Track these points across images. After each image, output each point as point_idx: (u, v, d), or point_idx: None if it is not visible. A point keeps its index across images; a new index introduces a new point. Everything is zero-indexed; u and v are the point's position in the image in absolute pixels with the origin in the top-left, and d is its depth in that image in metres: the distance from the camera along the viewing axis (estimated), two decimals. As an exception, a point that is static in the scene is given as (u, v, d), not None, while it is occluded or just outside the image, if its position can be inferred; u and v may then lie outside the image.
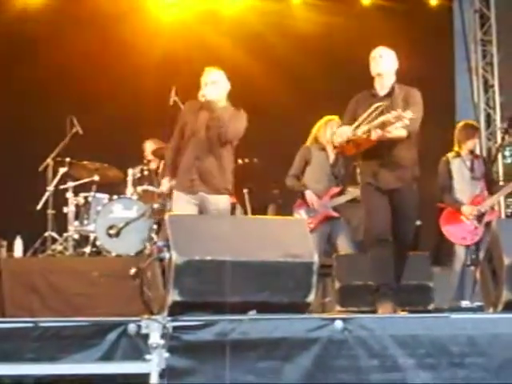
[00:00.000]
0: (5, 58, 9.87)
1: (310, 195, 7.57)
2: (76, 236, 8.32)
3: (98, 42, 9.92)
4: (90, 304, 7.03)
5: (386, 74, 6.10)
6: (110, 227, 8.01)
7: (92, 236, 8.18)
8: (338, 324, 4.61)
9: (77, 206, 8.43)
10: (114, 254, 8.00)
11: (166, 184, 6.68)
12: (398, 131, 5.87)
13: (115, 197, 8.30)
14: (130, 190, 8.49)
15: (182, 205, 6.45)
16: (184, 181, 6.47)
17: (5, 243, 8.34)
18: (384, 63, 6.10)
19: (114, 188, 8.58)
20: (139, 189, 8.45)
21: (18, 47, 9.94)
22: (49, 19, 10.16)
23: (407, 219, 6.11)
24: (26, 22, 10.03)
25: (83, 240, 8.32)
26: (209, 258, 4.73)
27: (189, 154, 6.46)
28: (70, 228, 8.32)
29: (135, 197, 8.36)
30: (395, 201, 6.01)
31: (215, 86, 6.46)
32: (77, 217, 8.39)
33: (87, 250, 8.17)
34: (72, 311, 6.85)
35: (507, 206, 10.02)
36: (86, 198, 8.44)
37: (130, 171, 8.59)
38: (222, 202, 6.47)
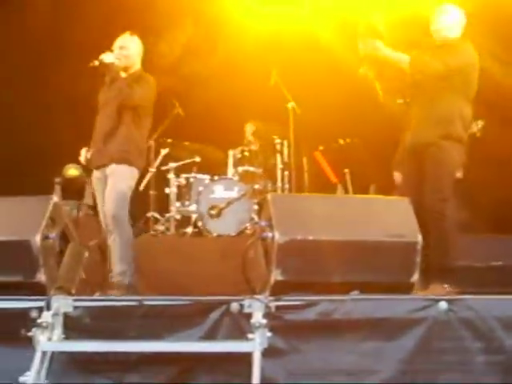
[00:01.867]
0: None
1: None
2: (178, 216, 8.40)
3: (195, 21, 9.96)
4: (192, 283, 7.06)
5: None
6: (212, 207, 8.06)
7: (193, 216, 8.24)
8: (443, 305, 4.52)
9: (178, 186, 8.50)
10: (215, 235, 8.03)
11: (83, 154, 6.50)
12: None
13: (216, 177, 8.33)
14: (230, 170, 8.52)
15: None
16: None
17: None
18: None
19: (215, 169, 8.61)
20: (240, 169, 8.46)
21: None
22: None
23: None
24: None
25: (185, 220, 8.38)
26: (311, 237, 4.69)
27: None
28: (172, 209, 8.39)
29: (236, 177, 8.38)
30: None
31: (122, 51, 6.35)
32: (178, 197, 8.46)
33: (189, 230, 8.23)
34: (174, 290, 6.90)
35: None
36: (187, 178, 8.49)
37: (231, 152, 8.61)
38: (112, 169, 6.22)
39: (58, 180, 8.90)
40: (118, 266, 6.04)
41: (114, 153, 6.18)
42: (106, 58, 6.22)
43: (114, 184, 6.11)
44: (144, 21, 8.81)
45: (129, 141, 6.23)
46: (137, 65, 6.44)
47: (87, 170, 9.04)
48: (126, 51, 6.35)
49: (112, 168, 6.17)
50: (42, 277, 4.67)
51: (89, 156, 6.35)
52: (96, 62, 6.20)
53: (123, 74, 6.35)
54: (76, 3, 9.55)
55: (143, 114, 6.31)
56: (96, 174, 6.32)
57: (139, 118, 6.28)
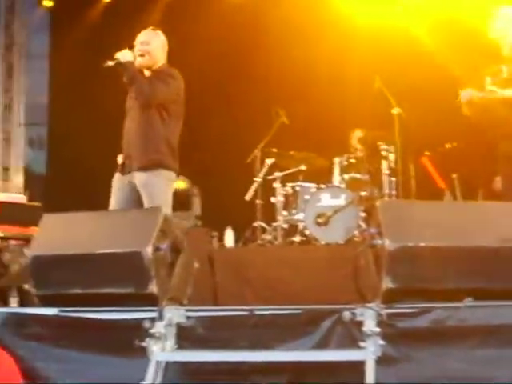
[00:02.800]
0: (209, 51, 10.16)
1: None
2: (285, 225, 8.41)
3: (299, 33, 9.99)
4: (300, 292, 7.05)
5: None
6: (319, 216, 8.04)
7: (301, 225, 8.23)
8: None
9: (285, 195, 8.52)
10: (322, 243, 8.00)
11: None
12: None
13: (323, 186, 8.31)
14: (337, 178, 8.49)
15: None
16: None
17: (216, 234, 8.56)
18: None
19: (321, 177, 8.60)
20: (346, 177, 8.42)
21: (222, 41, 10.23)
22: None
23: None
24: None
25: (292, 229, 8.39)
26: (422, 243, 4.61)
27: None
28: (279, 217, 8.41)
29: (343, 185, 8.34)
30: None
31: (145, 48, 6.08)
32: (285, 206, 8.48)
33: (296, 238, 8.23)
34: (283, 299, 6.90)
35: None
36: (293, 187, 8.51)
37: (337, 160, 8.58)
38: (150, 179, 5.94)
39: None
40: None
41: (146, 158, 5.93)
42: (123, 56, 5.89)
43: (153, 198, 5.86)
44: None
45: (160, 143, 5.96)
46: (161, 61, 6.13)
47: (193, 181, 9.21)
48: (147, 46, 6.05)
49: (146, 177, 5.92)
50: (154, 288, 4.72)
51: (120, 162, 6.12)
52: (110, 63, 5.86)
53: (146, 73, 6.07)
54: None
55: (172, 111, 6.01)
56: (123, 178, 6.08)
57: (169, 117, 5.99)
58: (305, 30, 10.04)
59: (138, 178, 5.94)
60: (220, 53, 10.29)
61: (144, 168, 5.92)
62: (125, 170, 6.03)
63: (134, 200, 5.99)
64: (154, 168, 5.92)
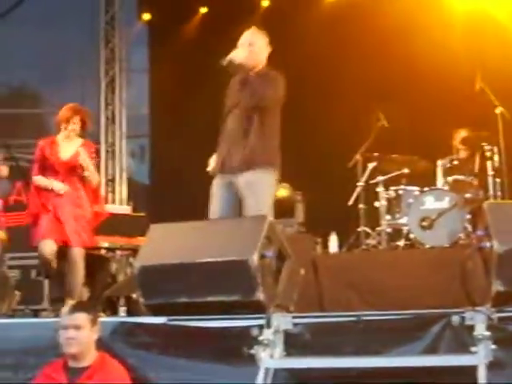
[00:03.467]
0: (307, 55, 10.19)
1: None
2: (389, 230, 8.34)
3: (397, 33, 9.93)
4: (406, 297, 6.97)
5: None
6: (423, 219, 7.93)
7: (405, 229, 8.15)
8: None
9: (388, 199, 8.44)
10: (427, 246, 7.90)
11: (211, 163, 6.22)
12: None
13: (426, 188, 8.21)
14: (440, 180, 8.38)
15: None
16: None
17: (319, 240, 8.54)
18: None
19: (424, 180, 8.49)
20: (450, 179, 8.30)
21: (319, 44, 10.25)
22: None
23: None
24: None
25: (396, 233, 8.31)
26: (532, 245, 4.51)
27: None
28: (383, 222, 8.34)
29: (446, 187, 8.22)
30: None
31: (250, 48, 5.97)
32: (388, 210, 8.40)
33: (401, 243, 8.15)
34: (389, 304, 6.84)
35: None
36: (396, 191, 8.43)
37: (440, 162, 8.46)
38: (257, 177, 5.88)
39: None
40: None
41: (251, 157, 5.91)
42: (237, 57, 5.90)
43: (258, 196, 5.87)
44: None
45: (266, 143, 5.96)
46: (263, 62, 6.10)
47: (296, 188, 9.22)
48: (251, 47, 6.00)
49: (252, 175, 5.90)
50: (260, 295, 4.74)
51: (214, 163, 6.13)
52: (224, 62, 5.87)
53: (251, 73, 6.02)
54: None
55: (276, 113, 6.02)
56: (223, 179, 6.06)
57: (273, 119, 6.00)
58: (404, 30, 9.95)
59: (243, 177, 5.93)
60: (318, 55, 10.29)
61: (250, 167, 5.92)
62: (225, 168, 6.03)
63: (235, 201, 6.00)
64: (261, 166, 5.92)
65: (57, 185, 6.75)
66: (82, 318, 4.67)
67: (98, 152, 7.12)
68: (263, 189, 5.90)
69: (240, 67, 5.92)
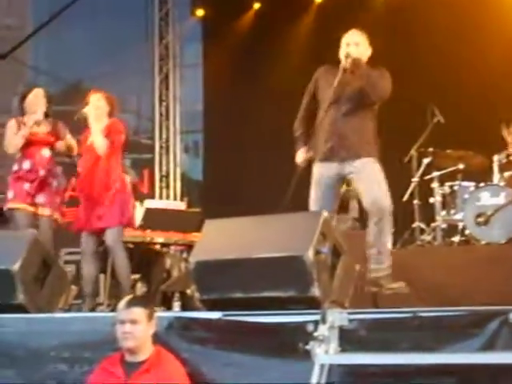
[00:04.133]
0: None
1: None
2: (444, 226, 8.28)
3: (454, 27, 9.86)
4: (462, 293, 6.92)
5: None
6: (479, 215, 7.86)
7: (460, 225, 8.08)
8: None
9: (443, 195, 8.39)
10: (483, 243, 7.83)
11: (300, 155, 6.27)
12: None
13: (482, 184, 8.13)
14: (496, 176, 8.29)
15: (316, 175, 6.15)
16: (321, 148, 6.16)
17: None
18: None
19: (479, 175, 8.41)
20: (506, 174, 8.20)
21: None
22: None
23: None
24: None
25: (451, 229, 8.25)
26: None
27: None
28: (438, 218, 8.30)
29: (502, 183, 8.14)
30: None
31: (358, 48, 6.13)
32: (443, 206, 8.35)
33: (456, 239, 8.09)
34: (445, 301, 6.79)
35: None
36: (451, 187, 8.38)
37: (496, 157, 8.37)
38: (365, 165, 6.05)
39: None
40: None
41: (363, 148, 6.09)
42: (353, 52, 6.09)
43: (376, 177, 6.04)
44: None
45: (373, 136, 6.20)
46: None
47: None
48: (360, 48, 6.20)
49: (363, 162, 6.07)
50: (316, 291, 4.74)
51: (309, 156, 6.21)
52: (348, 60, 6.07)
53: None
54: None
55: (377, 108, 6.25)
56: (327, 169, 6.18)
57: (374, 112, 6.25)
58: (461, 24, 9.88)
59: (355, 165, 6.08)
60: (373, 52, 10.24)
61: (361, 156, 6.08)
62: (332, 158, 6.14)
63: (338, 191, 6.27)
64: (371, 156, 6.12)
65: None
66: (138, 312, 4.72)
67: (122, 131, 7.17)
68: (378, 173, 6.09)
69: (355, 62, 6.09)
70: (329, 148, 6.16)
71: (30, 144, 7.08)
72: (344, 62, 6.10)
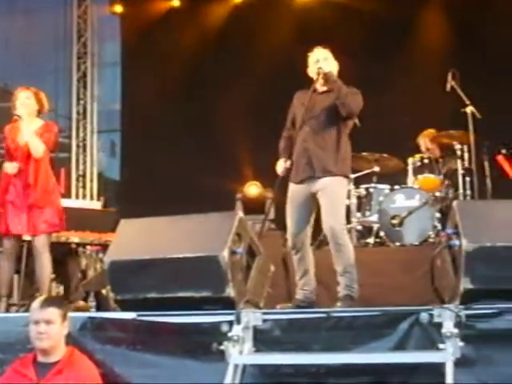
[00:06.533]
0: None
1: None
2: (359, 227, 8.36)
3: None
4: (376, 294, 7.00)
5: None
6: (393, 217, 7.96)
7: (375, 227, 8.17)
8: None
9: (358, 197, 8.45)
10: (397, 244, 7.94)
11: (280, 165, 6.32)
12: None
13: (396, 187, 8.24)
14: (410, 179, 8.41)
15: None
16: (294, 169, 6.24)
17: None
18: None
19: (394, 178, 8.52)
20: (420, 177, 8.33)
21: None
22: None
23: None
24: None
25: (366, 231, 8.33)
26: (500, 244, 4.55)
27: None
28: (353, 219, 8.35)
29: (416, 186, 8.26)
30: None
31: (327, 62, 6.21)
32: (359, 208, 8.42)
33: (371, 240, 8.18)
34: (359, 302, 6.86)
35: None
36: (367, 189, 8.43)
37: (410, 160, 8.50)
38: (331, 183, 6.06)
39: (239, 196, 9.07)
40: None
41: (334, 166, 6.10)
42: (325, 68, 6.15)
43: (333, 198, 6.04)
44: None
45: (346, 154, 6.23)
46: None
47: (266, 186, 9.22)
48: (329, 61, 6.24)
49: (327, 181, 6.07)
50: (230, 291, 4.75)
51: (288, 166, 6.24)
52: (321, 70, 6.13)
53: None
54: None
55: (349, 123, 6.32)
56: (297, 187, 6.20)
57: (347, 128, 6.30)
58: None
59: (322, 183, 6.07)
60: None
61: (331, 174, 6.08)
62: (302, 175, 6.16)
63: (311, 209, 6.17)
64: (339, 176, 6.12)
65: (7, 166, 6.68)
66: (53, 312, 4.66)
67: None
68: (341, 197, 6.12)
69: (328, 76, 6.14)
70: (298, 166, 6.19)
71: None
72: (316, 78, 6.18)
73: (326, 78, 6.16)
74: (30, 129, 6.67)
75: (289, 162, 6.25)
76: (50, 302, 4.81)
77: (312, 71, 6.24)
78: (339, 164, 6.14)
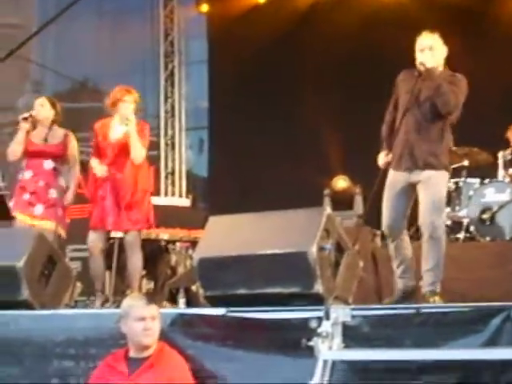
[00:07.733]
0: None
1: None
2: (448, 222, 8.26)
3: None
4: (467, 289, 6.91)
5: None
6: (483, 212, 7.86)
7: (465, 221, 8.07)
8: None
9: (448, 192, 8.34)
10: (488, 239, 7.82)
11: (381, 158, 6.18)
12: None
13: (487, 181, 8.12)
14: (501, 172, 8.28)
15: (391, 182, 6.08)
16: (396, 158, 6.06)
17: (379, 232, 8.49)
18: None
19: (484, 172, 8.40)
20: (511, 171, 8.20)
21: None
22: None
23: None
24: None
25: (456, 226, 8.24)
26: None
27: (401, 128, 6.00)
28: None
29: (507, 179, 8.13)
30: None
31: (433, 53, 5.94)
32: (448, 203, 8.32)
33: (461, 235, 8.08)
34: (450, 297, 6.77)
35: None
36: (456, 183, 8.35)
37: (501, 154, 8.36)
38: (433, 176, 5.94)
39: (327, 192, 9.05)
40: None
41: (433, 158, 5.99)
42: (427, 62, 5.91)
43: (436, 192, 5.97)
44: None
45: (447, 144, 6.08)
46: (442, 64, 6.13)
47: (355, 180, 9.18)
48: (434, 51, 6.01)
49: (429, 174, 5.97)
50: (319, 287, 4.75)
51: (389, 159, 6.11)
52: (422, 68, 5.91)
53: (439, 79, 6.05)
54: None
55: (453, 117, 6.09)
56: (397, 174, 6.09)
57: (450, 122, 6.09)
58: None
59: (424, 175, 5.98)
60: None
61: (434, 168, 5.98)
62: (401, 166, 6.07)
63: (409, 197, 6.13)
64: (441, 169, 6.02)
65: (97, 168, 6.80)
66: (156, 308, 4.78)
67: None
68: (441, 190, 6.06)
69: (429, 72, 5.94)
70: (399, 156, 6.08)
71: (33, 155, 7.07)
72: (418, 69, 5.96)
73: (427, 73, 5.94)
74: (130, 129, 6.75)
75: (390, 156, 6.10)
76: (149, 298, 4.90)
77: (417, 59, 6.00)
78: (442, 157, 6.02)
